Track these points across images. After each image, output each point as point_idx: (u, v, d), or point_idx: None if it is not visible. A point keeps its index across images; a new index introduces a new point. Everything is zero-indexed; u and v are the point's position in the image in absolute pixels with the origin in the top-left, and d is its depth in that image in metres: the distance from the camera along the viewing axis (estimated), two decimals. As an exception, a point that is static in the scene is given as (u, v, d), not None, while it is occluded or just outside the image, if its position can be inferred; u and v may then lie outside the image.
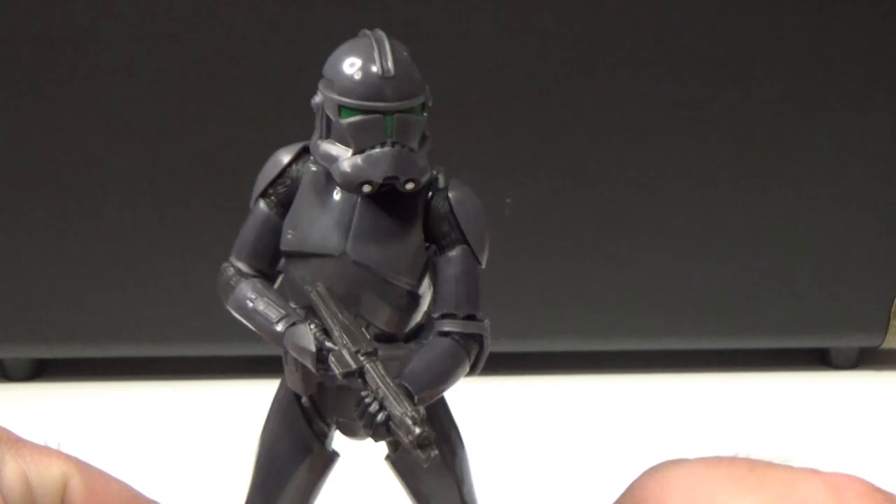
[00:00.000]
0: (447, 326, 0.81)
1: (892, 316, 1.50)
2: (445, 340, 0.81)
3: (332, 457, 0.87)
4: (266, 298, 0.81)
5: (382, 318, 0.81)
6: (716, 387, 1.49)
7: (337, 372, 0.75)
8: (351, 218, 0.81)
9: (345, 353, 0.76)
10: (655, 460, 1.31)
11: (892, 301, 1.49)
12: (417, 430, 0.71)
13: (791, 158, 1.45)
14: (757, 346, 1.54)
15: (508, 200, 1.43)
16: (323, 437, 0.86)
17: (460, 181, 0.83)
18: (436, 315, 0.82)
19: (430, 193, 0.82)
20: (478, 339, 0.82)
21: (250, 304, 0.81)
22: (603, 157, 1.43)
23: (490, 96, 1.40)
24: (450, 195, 0.82)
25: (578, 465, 1.29)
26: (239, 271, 0.83)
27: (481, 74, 1.39)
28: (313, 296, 0.79)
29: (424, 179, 0.80)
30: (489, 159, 1.41)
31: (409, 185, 0.79)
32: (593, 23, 1.39)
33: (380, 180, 0.78)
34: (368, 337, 0.77)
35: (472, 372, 0.82)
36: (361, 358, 0.75)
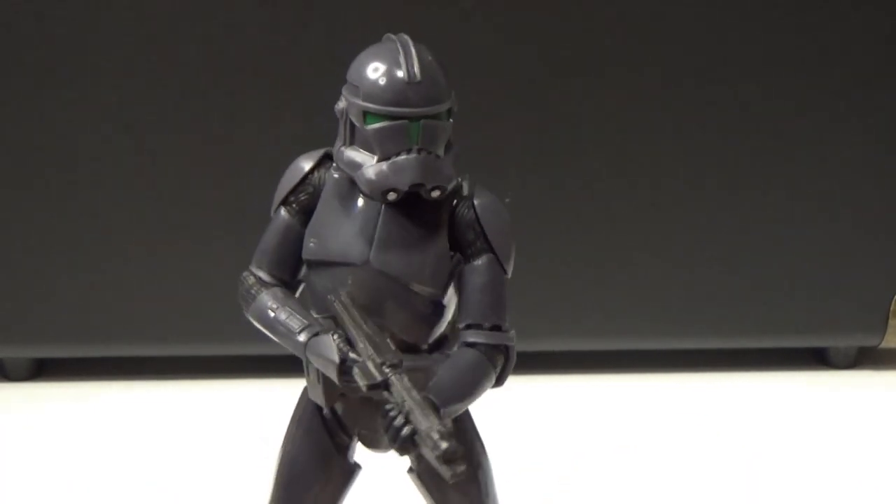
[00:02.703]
0: (472, 337, 0.80)
1: (890, 315, 1.50)
2: (471, 352, 0.79)
3: (353, 469, 0.86)
4: (288, 308, 0.80)
5: (405, 327, 0.80)
6: (715, 386, 1.49)
7: (361, 384, 0.74)
8: (375, 226, 0.79)
9: (370, 364, 0.74)
10: (655, 460, 1.32)
11: (891, 301, 1.49)
12: (444, 445, 0.69)
13: (790, 159, 1.45)
14: (755, 346, 1.54)
15: (508, 200, 1.43)
16: (345, 450, 0.85)
17: (485, 189, 0.82)
18: (461, 325, 0.80)
19: (455, 201, 0.81)
20: (503, 350, 0.80)
21: (272, 314, 0.80)
22: (602, 158, 1.43)
23: (490, 96, 1.40)
24: (475, 203, 0.81)
25: (578, 464, 1.29)
26: (260, 280, 0.82)
27: (481, 74, 1.39)
28: (336, 305, 0.78)
29: (450, 187, 0.79)
30: (488, 158, 1.41)
31: (436, 193, 0.78)
32: (593, 23, 1.39)
33: (406, 188, 0.77)
34: (393, 348, 0.76)
35: (497, 384, 0.81)
36: (386, 370, 0.73)
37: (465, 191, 0.81)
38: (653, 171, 1.44)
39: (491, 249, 0.81)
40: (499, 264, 0.81)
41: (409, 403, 0.72)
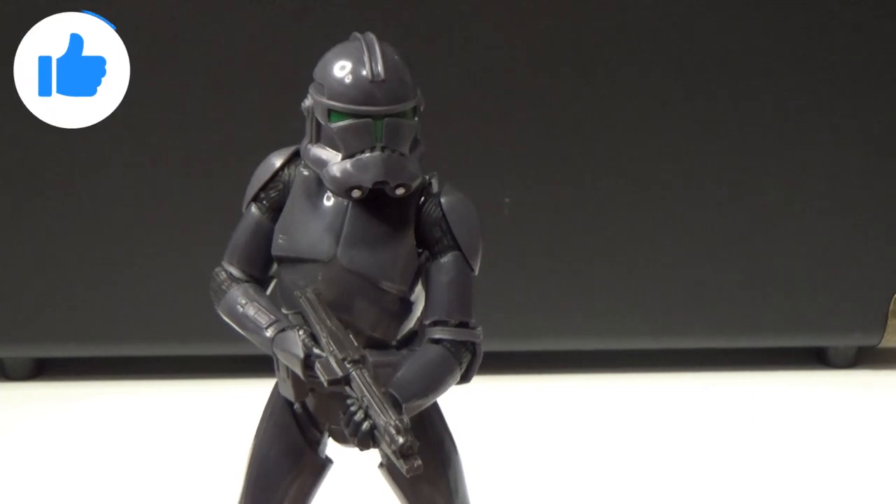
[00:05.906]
0: (438, 333, 0.80)
1: (889, 315, 1.50)
2: (436, 348, 0.80)
3: (324, 464, 0.87)
4: (256, 303, 0.81)
5: (373, 324, 0.81)
6: (714, 386, 1.50)
7: (323, 379, 0.75)
8: (342, 223, 0.80)
9: (331, 360, 0.75)
10: (655, 460, 1.32)
11: (890, 300, 1.49)
12: (401, 440, 0.71)
13: (790, 159, 1.45)
14: (755, 346, 1.54)
15: (507, 200, 1.43)
16: (315, 445, 0.86)
17: (453, 186, 0.82)
18: (427, 322, 0.81)
19: (423, 199, 0.81)
20: (470, 346, 0.81)
21: (240, 310, 0.81)
22: (602, 157, 1.44)
23: (490, 96, 1.40)
24: (442, 200, 0.81)
25: (577, 464, 1.29)
26: (231, 276, 0.83)
27: (481, 74, 1.39)
28: (302, 301, 0.79)
29: (415, 184, 0.79)
30: (488, 158, 1.41)
31: (400, 191, 0.79)
32: (593, 23, 1.39)
33: (369, 185, 0.78)
34: (356, 344, 0.76)
35: (464, 380, 0.81)
36: (348, 365, 0.74)
37: (434, 188, 0.82)
38: (653, 171, 1.44)
39: (457, 247, 0.81)
40: (465, 261, 0.81)
41: (367, 399, 0.73)
